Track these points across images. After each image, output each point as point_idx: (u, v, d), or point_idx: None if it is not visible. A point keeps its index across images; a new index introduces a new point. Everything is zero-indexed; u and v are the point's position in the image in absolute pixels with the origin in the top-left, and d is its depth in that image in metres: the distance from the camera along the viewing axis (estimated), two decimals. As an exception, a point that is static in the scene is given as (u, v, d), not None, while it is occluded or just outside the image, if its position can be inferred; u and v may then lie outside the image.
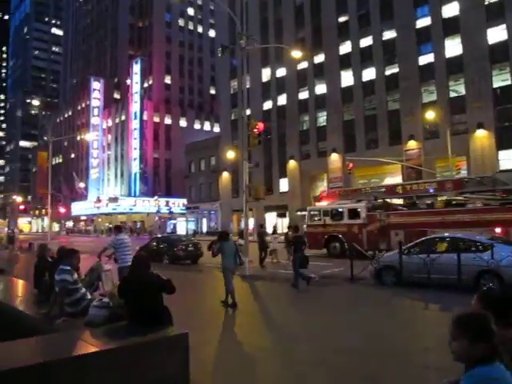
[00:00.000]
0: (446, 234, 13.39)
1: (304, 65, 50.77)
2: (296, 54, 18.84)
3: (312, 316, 9.60)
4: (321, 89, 49.11)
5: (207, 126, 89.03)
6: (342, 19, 47.55)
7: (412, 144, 40.57)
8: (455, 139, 34.42)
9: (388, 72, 43.34)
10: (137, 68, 79.57)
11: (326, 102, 48.10)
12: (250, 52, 56.59)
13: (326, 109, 48.21)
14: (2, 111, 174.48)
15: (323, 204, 25.70)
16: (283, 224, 51.74)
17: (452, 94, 39.05)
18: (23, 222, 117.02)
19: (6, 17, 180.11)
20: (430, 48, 40.40)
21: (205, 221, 65.61)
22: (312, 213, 25.20)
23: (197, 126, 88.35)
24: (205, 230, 63.99)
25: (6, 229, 35.38)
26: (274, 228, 26.89)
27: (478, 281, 11.13)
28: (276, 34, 53.65)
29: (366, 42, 45.15)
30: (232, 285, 10.58)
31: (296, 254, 13.24)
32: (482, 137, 36.48)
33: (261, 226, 23.71)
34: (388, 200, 23.16)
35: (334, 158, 45.06)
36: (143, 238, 57.57)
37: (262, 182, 53.95)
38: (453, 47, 38.79)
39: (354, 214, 22.55)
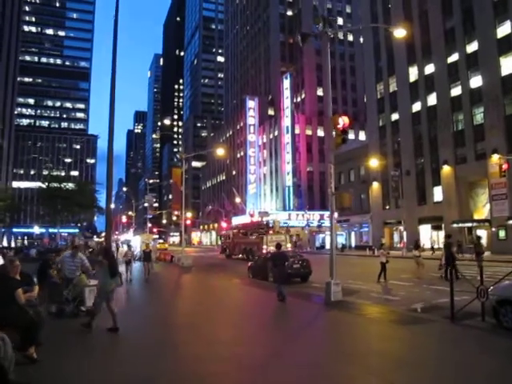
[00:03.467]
0: None
1: (455, 57, 45.25)
2: (399, 32, 15.67)
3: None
4: (476, 81, 42.96)
5: (362, 135, 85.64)
6: (498, -2, 41.09)
7: None
8: None
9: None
10: (287, 83, 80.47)
11: (483, 96, 41.82)
12: (395, 50, 53.30)
13: (483, 103, 41.90)
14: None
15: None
16: (439, 237, 46.52)
17: None
18: (194, 236, 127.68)
19: (182, 53, 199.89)
20: None
21: (353, 234, 62.43)
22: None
23: (351, 136, 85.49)
24: (353, 243, 60.88)
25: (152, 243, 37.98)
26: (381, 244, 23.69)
27: None
28: (421, 26, 48.98)
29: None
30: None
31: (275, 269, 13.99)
32: None
33: (448, 236, 22.95)
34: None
35: (495, 160, 38.42)
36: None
37: (414, 192, 49.49)
38: None
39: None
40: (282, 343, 8.55)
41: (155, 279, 22.69)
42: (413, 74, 51.06)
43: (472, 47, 43.53)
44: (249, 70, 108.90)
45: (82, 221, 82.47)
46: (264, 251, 35.83)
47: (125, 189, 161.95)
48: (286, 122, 79.58)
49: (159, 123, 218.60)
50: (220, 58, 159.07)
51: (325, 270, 15.77)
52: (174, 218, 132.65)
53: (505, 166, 27.75)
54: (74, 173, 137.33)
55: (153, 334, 9.62)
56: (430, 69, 48.53)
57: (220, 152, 36.74)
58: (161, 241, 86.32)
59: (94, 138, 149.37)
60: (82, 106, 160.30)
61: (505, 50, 40.18)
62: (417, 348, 8.06)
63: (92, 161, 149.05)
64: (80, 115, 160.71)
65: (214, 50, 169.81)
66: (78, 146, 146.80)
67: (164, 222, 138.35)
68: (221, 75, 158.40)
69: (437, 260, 22.17)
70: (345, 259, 43.15)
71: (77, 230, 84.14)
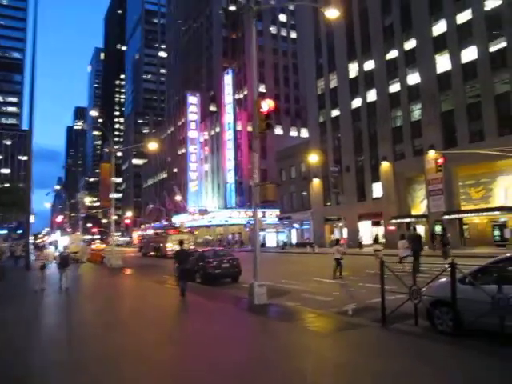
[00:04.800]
0: None
1: (393, 54, 45.36)
2: (331, 13, 14.50)
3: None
4: (413, 78, 43.16)
5: (304, 132, 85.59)
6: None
7: (529, 132, 33.32)
8: None
9: (493, 48, 36.38)
10: (228, 79, 79.04)
11: (421, 93, 42.04)
12: (336, 47, 53.05)
13: (421, 100, 42.13)
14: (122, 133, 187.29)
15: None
16: (379, 233, 46.52)
17: None
18: (136, 236, 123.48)
19: (124, 48, 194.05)
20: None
21: (294, 232, 61.88)
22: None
23: (293, 133, 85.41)
24: (294, 241, 60.31)
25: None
26: (337, 240, 22.86)
27: None
28: (361, 22, 49.02)
29: (463, 17, 38.59)
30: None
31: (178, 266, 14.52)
32: None
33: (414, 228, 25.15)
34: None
35: (432, 156, 38.56)
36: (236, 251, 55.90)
37: (354, 188, 49.35)
38: None
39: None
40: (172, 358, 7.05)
41: (74, 286, 20.22)
42: (353, 70, 50.92)
43: (410, 44, 43.71)
44: (191, 65, 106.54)
45: (11, 221, 77.50)
46: (169, 250, 43.33)
47: (58, 187, 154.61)
48: (228, 118, 78.11)
49: (100, 120, 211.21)
50: (162, 53, 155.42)
51: (261, 269, 14.61)
52: (115, 217, 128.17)
53: (440, 161, 27.56)
54: (5, 170, 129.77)
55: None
56: (369, 65, 48.49)
57: (152, 146, 34.57)
58: (98, 241, 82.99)
59: (26, 133, 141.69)
60: (14, 99, 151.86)
61: (440, 48, 40.50)
62: (339, 366, 6.64)
63: (25, 158, 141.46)
64: (12, 109, 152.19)
65: (156, 45, 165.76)
66: (9, 142, 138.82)
67: (105, 221, 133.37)
68: (163, 71, 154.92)
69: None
70: (285, 257, 42.30)
71: (5, 231, 79.05)
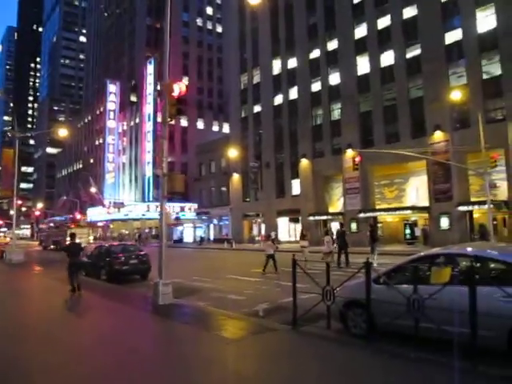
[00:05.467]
0: (455, 249, 7.92)
1: (316, 53, 45.79)
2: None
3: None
4: (335, 78, 43.84)
5: (227, 128, 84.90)
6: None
7: (438, 136, 34.71)
8: (490, 128, 28.56)
9: (409, 55, 37.68)
10: (150, 68, 76.25)
11: (341, 93, 42.77)
12: (261, 43, 52.77)
13: (341, 100, 42.87)
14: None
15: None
16: (296, 230, 46.86)
17: (486, 76, 33.05)
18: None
19: (40, 29, 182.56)
20: (457, 23, 34.42)
21: (212, 227, 61.08)
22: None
23: (215, 128, 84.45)
24: (212, 237, 59.51)
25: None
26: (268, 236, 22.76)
27: None
28: (286, 20, 49.06)
29: (383, 22, 39.66)
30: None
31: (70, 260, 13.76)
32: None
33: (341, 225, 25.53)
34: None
35: (350, 155, 39.25)
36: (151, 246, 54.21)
37: (273, 184, 49.31)
38: (484, 19, 32.92)
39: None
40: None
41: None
42: (276, 66, 50.89)
43: (332, 45, 44.37)
44: (112, 52, 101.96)
45: None
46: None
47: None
48: (148, 109, 75.43)
49: (12, 104, 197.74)
50: (83, 38, 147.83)
51: (173, 265, 13.69)
52: (24, 209, 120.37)
53: (358, 159, 27.84)
54: None
55: None
56: (293, 63, 48.66)
57: (63, 133, 32.16)
58: (1, 234, 77.40)
59: None
60: None
61: (361, 51, 41.45)
62: (242, 379, 5.81)
63: None
64: None
65: (76, 29, 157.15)
66: None
67: (12, 212, 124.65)
68: (82, 56, 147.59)
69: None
70: (201, 253, 41.29)
71: None
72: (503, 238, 30.26)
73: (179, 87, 11.47)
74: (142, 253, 18.11)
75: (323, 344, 7.15)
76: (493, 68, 32.69)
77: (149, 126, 75.13)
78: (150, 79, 76.16)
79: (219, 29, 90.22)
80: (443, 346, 5.73)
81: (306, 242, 21.88)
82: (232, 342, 7.47)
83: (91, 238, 45.57)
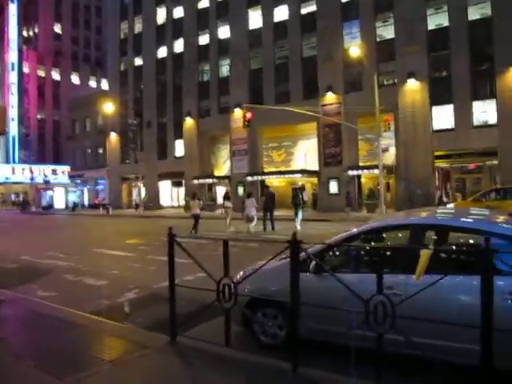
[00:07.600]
0: (442, 219, 5.36)
1: (205, 3, 42.21)
2: None
3: None
4: (224, 32, 40.74)
5: (105, 84, 77.93)
6: None
7: (330, 98, 33.50)
8: (381, 92, 27.67)
9: (304, 10, 35.78)
10: (13, 9, 66.61)
11: (230, 48, 39.84)
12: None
13: (230, 56, 39.98)
14: None
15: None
16: (179, 194, 43.93)
17: (379, 38, 32.31)
18: None
19: None
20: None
21: (86, 191, 55.73)
22: None
23: (93, 83, 77.18)
24: (87, 202, 54.27)
25: None
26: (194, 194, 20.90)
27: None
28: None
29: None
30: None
31: None
32: (413, 89, 30.13)
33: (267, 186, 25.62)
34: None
35: (238, 114, 36.83)
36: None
37: (155, 145, 45.70)
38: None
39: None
40: None
41: None
42: (161, 15, 46.31)
43: (223, -6, 41.04)
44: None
45: None
46: None
47: None
48: (12, 56, 66.22)
49: None
50: None
51: (28, 237, 9.97)
52: None
53: (249, 115, 25.45)
54: None
55: None
56: (179, 12, 44.51)
57: None
58: None
59: None
60: None
61: (253, 3, 38.76)
62: None
63: None
64: None
65: None
66: None
67: None
68: None
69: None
70: (71, 220, 36.68)
71: None
72: (387, 202, 30.18)
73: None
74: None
75: (216, 372, 4.20)
76: (387, 30, 32.03)
77: (12, 77, 66.17)
78: (12, 22, 66.57)
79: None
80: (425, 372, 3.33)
81: (230, 203, 21.63)
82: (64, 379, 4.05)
83: None
